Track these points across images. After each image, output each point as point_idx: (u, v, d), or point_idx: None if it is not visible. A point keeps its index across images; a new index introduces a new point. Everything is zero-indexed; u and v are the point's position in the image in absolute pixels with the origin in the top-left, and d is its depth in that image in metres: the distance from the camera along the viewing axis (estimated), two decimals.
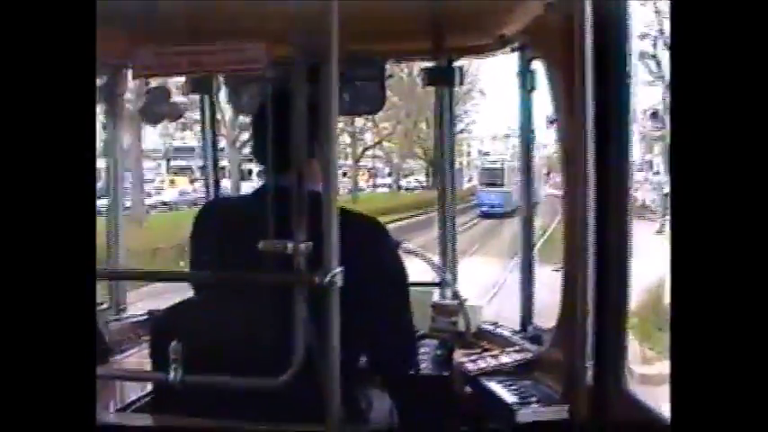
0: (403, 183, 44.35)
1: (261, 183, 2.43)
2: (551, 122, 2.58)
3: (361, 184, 40.75)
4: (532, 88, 3.04)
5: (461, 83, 3.48)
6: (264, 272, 1.88)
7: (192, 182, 31.41)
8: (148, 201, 28.09)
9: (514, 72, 3.11)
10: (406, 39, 3.25)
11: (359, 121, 33.12)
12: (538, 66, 2.99)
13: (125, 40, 2.89)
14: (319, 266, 1.73)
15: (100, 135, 2.58)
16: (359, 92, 3.26)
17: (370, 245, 2.26)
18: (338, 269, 1.72)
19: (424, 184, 43.74)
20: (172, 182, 35.79)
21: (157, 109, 3.35)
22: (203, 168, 4.00)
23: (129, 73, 3.46)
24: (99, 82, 3.51)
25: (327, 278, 1.71)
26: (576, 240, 2.15)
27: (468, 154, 45.79)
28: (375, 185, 44.40)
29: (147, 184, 29.76)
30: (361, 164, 39.89)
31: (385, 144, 40.04)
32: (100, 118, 3.30)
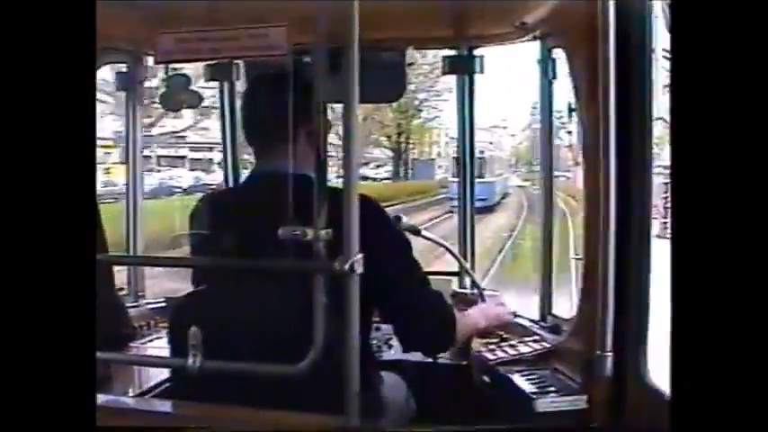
0: (369, 173, 42.61)
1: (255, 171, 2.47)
2: (571, 111, 2.57)
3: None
4: (554, 77, 3.02)
5: (482, 71, 3.47)
6: (283, 259, 1.88)
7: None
8: None
9: (535, 60, 3.09)
10: (426, 26, 3.24)
11: None
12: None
13: (144, 26, 2.90)
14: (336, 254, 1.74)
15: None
16: (378, 79, 3.26)
17: (375, 225, 2.28)
18: (358, 256, 1.72)
19: (390, 175, 42.50)
20: (107, 171, 34.19)
21: (177, 96, 3.35)
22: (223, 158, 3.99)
23: (148, 59, 3.50)
24: (118, 68, 3.54)
25: (347, 265, 1.71)
26: (597, 230, 2.13)
27: (446, 144, 42.55)
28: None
29: None
30: None
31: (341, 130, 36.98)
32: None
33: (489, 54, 3.49)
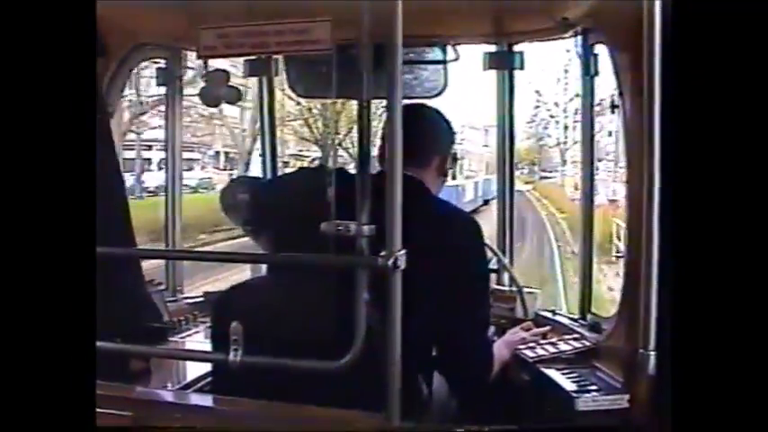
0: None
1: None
2: (614, 108, 2.55)
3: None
4: (596, 73, 3.00)
5: (523, 67, 3.45)
6: (326, 253, 1.87)
7: None
8: None
9: (576, 55, 3.07)
10: (467, 22, 3.23)
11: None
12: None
13: (185, 21, 2.91)
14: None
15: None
16: (420, 75, 3.26)
17: (457, 238, 2.32)
18: (401, 252, 1.71)
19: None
20: None
21: (216, 92, 3.38)
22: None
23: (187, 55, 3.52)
24: (159, 64, 3.56)
25: (390, 261, 1.70)
26: (640, 228, 2.11)
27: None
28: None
29: None
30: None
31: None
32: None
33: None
